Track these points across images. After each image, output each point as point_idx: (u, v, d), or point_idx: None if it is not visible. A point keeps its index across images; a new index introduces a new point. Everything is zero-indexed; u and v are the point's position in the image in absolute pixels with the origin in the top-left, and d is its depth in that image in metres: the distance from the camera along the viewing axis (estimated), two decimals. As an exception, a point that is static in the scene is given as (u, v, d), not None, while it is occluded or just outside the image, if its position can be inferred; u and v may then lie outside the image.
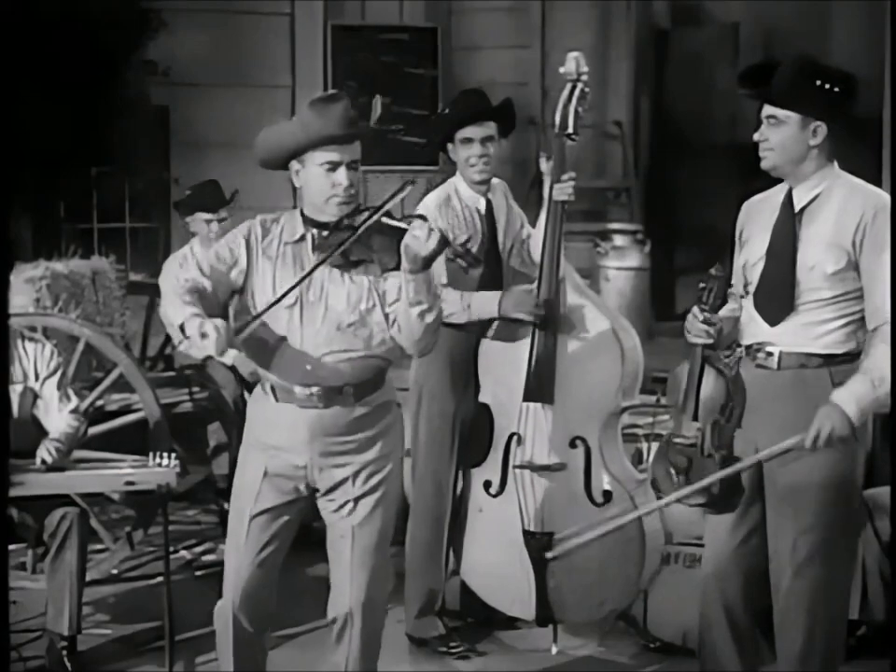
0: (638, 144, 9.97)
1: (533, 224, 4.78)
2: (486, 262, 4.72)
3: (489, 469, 4.64)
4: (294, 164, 3.62)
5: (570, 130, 4.53)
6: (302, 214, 3.67)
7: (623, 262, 8.26)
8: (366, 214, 3.53)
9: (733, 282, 3.79)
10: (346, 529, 3.70)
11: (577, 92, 4.53)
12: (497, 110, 4.73)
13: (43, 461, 4.56)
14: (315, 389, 3.62)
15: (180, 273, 3.74)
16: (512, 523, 4.55)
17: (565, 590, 4.52)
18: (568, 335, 4.49)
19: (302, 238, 3.65)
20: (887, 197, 3.62)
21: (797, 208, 3.66)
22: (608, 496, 4.45)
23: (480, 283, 4.70)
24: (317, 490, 3.73)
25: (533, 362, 4.49)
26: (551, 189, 4.53)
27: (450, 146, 4.71)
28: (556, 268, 4.51)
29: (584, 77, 4.55)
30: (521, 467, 4.53)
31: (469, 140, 4.65)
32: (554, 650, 4.69)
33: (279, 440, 3.70)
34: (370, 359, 3.66)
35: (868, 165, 7.51)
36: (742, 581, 3.77)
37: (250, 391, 3.95)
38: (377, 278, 3.63)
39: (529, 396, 4.50)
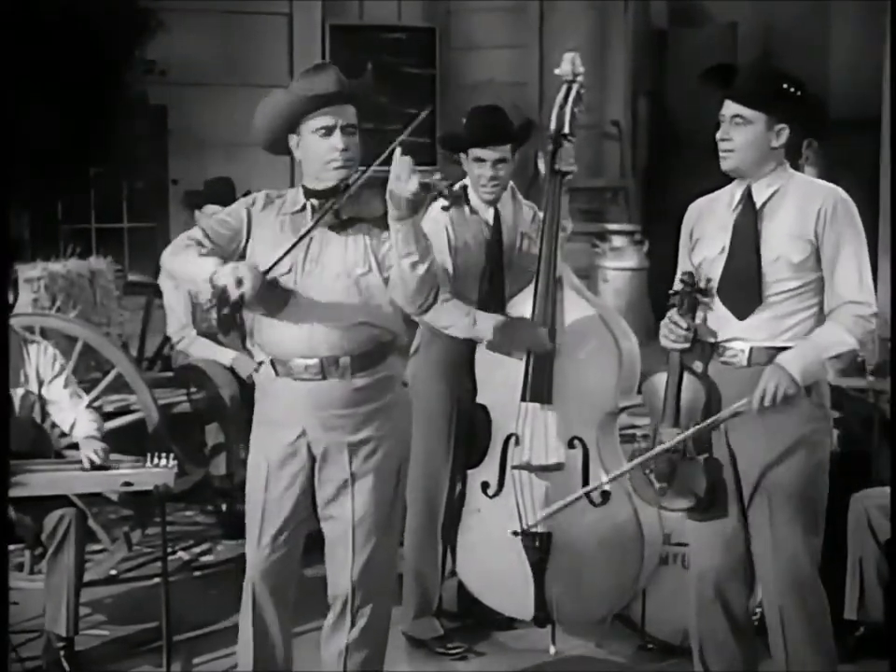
0: (636, 144, 9.98)
1: None
2: (489, 273, 4.71)
3: (487, 470, 4.63)
4: (293, 139, 3.66)
5: (566, 130, 4.51)
6: (304, 187, 3.70)
7: (621, 263, 8.28)
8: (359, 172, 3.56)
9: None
10: (346, 507, 3.69)
11: (573, 93, 4.52)
12: (516, 133, 4.64)
13: (91, 462, 4.56)
14: (312, 361, 3.63)
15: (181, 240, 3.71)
16: (511, 523, 4.55)
17: (563, 591, 4.52)
18: (566, 336, 4.49)
19: (303, 208, 3.67)
20: (842, 191, 3.70)
21: (758, 204, 3.71)
22: (606, 496, 4.45)
23: (482, 291, 4.68)
24: (315, 464, 3.71)
25: (531, 363, 4.48)
26: (550, 166, 4.50)
27: (462, 156, 4.67)
28: (553, 262, 4.50)
29: (580, 78, 4.53)
30: (519, 467, 4.53)
31: (481, 160, 4.61)
32: (552, 650, 4.70)
33: (279, 414, 3.71)
34: (367, 328, 3.64)
35: (867, 165, 7.52)
36: (734, 577, 3.80)
37: (249, 392, 3.96)
38: (376, 241, 3.63)
39: (527, 396, 4.50)
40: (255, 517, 3.76)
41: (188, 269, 3.58)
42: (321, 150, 3.60)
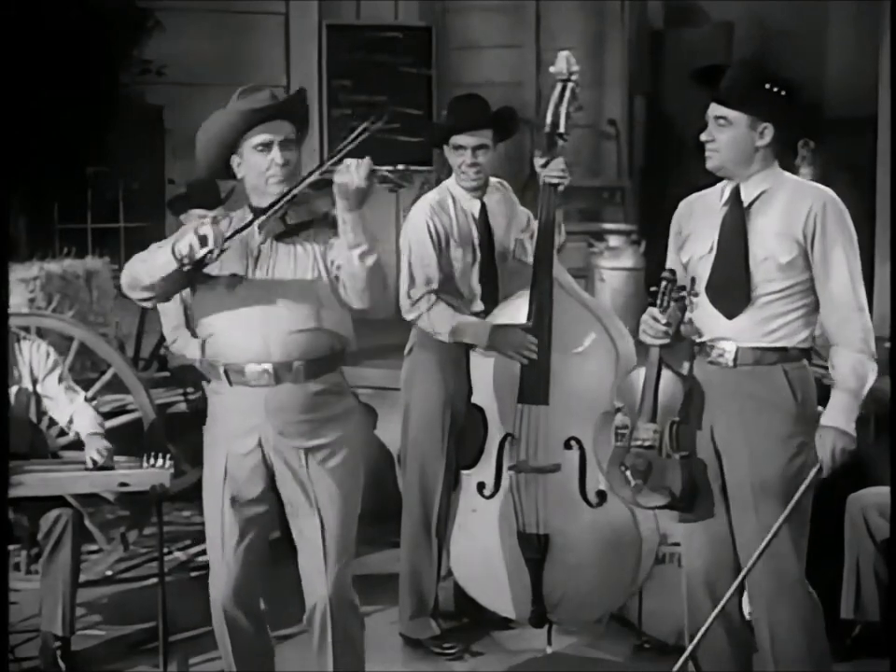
0: (633, 144, 9.96)
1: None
2: (482, 267, 4.71)
3: (483, 471, 4.63)
4: (234, 160, 3.73)
5: (561, 129, 4.52)
6: (250, 206, 3.75)
7: (617, 262, 8.25)
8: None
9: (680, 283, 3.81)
10: (312, 515, 3.71)
11: (567, 92, 4.52)
12: (493, 118, 4.69)
13: (94, 461, 4.55)
14: (266, 366, 3.65)
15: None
16: (507, 524, 4.55)
17: (560, 591, 4.52)
18: (563, 336, 4.49)
19: (250, 224, 3.70)
20: (832, 192, 3.68)
21: (745, 203, 3.70)
22: (602, 496, 4.45)
23: (476, 287, 4.69)
24: (275, 473, 3.73)
25: (527, 363, 4.48)
26: (540, 175, 4.51)
27: (446, 148, 4.70)
28: (548, 265, 4.50)
29: (575, 77, 4.54)
30: (515, 468, 4.53)
31: (461, 147, 4.63)
32: (549, 650, 4.70)
33: (237, 424, 3.72)
34: (320, 334, 3.68)
35: (864, 165, 7.52)
36: (725, 576, 3.79)
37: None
38: (323, 246, 3.68)
39: (524, 397, 4.50)
40: (218, 534, 3.76)
41: (153, 261, 3.60)
42: (261, 165, 3.67)
